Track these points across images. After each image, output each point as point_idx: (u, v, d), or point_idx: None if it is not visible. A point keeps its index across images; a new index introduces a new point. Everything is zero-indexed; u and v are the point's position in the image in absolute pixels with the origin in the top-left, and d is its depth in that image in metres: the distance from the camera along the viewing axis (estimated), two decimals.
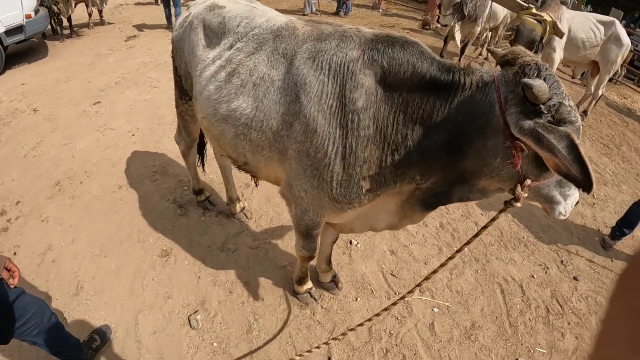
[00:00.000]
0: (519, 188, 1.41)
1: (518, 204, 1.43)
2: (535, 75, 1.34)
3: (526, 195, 1.43)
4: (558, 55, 5.61)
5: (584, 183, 1.21)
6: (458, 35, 7.44)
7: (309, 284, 2.76)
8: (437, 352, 2.54)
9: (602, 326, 0.41)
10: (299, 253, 2.35)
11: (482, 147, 1.44)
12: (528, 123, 1.30)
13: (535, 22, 5.38)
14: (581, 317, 2.88)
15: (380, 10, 11.73)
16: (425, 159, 1.58)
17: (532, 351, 2.61)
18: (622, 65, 7.52)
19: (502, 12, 7.56)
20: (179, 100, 2.67)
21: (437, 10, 10.23)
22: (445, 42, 7.66)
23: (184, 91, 2.54)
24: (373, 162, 1.65)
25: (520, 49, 1.47)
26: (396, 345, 2.54)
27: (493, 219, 1.55)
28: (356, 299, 2.83)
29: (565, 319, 2.86)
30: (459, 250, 1.71)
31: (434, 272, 1.72)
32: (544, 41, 5.41)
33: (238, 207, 3.40)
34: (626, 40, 6.01)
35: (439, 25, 10.26)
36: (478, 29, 7.30)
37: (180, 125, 2.95)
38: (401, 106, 1.57)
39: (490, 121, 1.40)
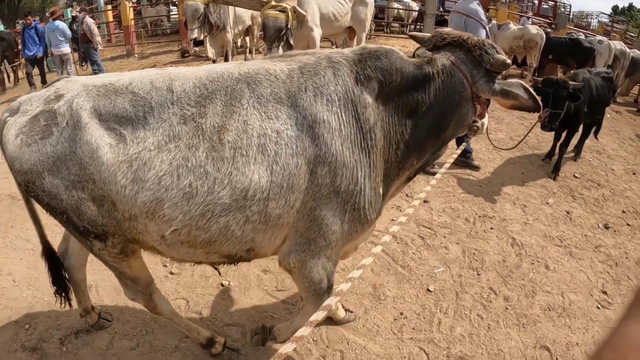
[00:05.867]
0: (480, 122, 1.98)
1: (484, 130, 2.07)
2: (494, 52, 1.81)
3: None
4: (317, 33, 6.19)
5: (537, 108, 1.86)
6: (210, 50, 7.49)
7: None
8: (364, 328, 2.48)
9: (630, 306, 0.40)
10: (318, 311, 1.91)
11: (460, 115, 1.88)
12: (496, 86, 1.82)
13: (278, 12, 5.85)
14: (449, 226, 3.24)
15: (136, 56, 11.18)
16: (419, 145, 1.86)
17: (433, 276, 2.79)
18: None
19: (246, 13, 7.87)
20: (92, 247, 1.81)
21: (189, 34, 10.20)
22: (226, 58, 7.63)
23: (97, 229, 1.71)
24: (382, 167, 1.81)
25: (444, 30, 1.92)
26: (327, 347, 2.36)
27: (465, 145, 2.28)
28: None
29: (439, 235, 3.17)
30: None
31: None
32: (289, 26, 5.93)
33: (95, 315, 2.66)
34: None
35: (197, 49, 10.27)
36: (230, 36, 7.49)
37: (119, 277, 2.06)
38: (395, 109, 1.80)
39: (463, 94, 1.83)
